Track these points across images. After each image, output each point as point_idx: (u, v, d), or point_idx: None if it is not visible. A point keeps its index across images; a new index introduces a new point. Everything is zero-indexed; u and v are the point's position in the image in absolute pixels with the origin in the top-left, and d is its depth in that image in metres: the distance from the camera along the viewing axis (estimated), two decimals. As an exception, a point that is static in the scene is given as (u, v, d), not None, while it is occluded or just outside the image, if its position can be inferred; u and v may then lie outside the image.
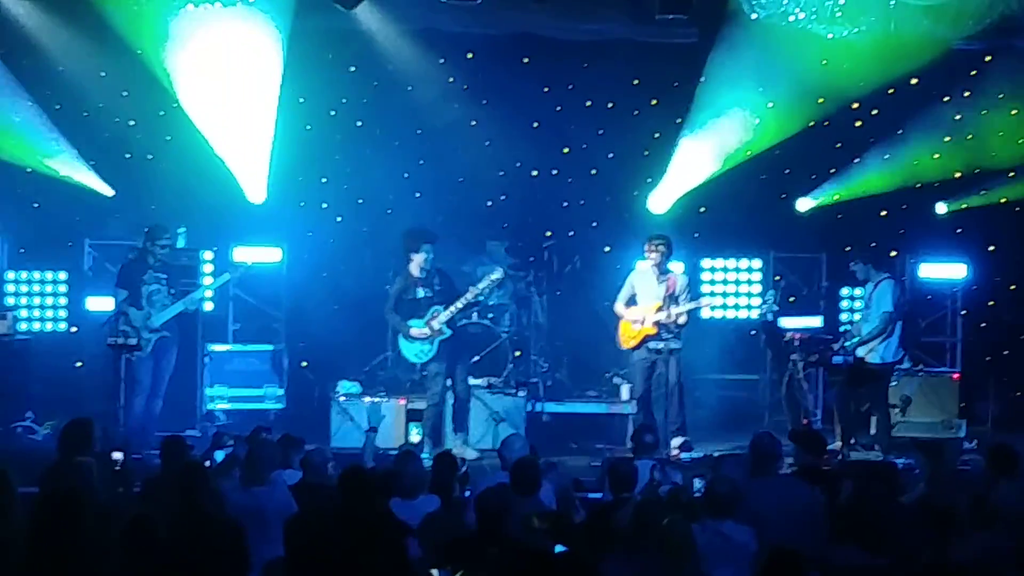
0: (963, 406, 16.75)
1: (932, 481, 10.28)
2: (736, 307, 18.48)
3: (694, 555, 8.27)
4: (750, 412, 17.60)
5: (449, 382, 15.34)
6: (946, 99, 17.84)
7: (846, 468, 11.07)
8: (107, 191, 17.42)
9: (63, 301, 17.66)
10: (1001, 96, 17.80)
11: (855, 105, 17.91)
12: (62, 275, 17.65)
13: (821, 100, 17.64)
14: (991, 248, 18.49)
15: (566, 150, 18.52)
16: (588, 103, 18.21)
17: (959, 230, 18.31)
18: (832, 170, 18.32)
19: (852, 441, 15.07)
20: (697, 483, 10.92)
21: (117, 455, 10.81)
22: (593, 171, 18.51)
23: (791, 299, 17.73)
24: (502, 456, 11.07)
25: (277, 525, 8.92)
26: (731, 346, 18.05)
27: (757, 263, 18.50)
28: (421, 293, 15.21)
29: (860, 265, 15.41)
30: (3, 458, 11.82)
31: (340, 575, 8.00)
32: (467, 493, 10.73)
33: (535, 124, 18.26)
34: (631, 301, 15.41)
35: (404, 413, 15.77)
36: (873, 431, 15.35)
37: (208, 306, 16.71)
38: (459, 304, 15.16)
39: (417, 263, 15.18)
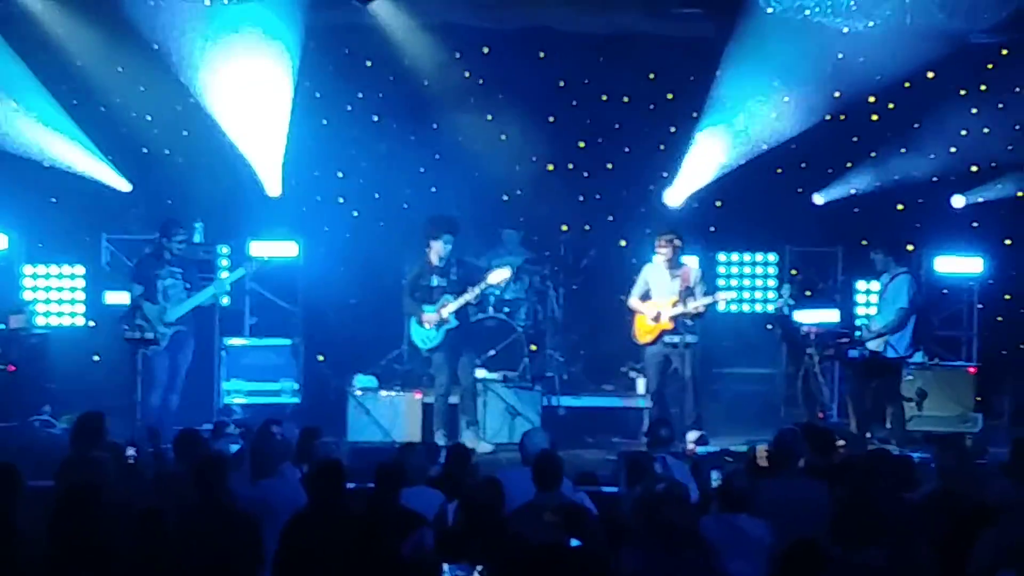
0: (979, 400, 16.71)
1: (946, 476, 10.23)
2: (752, 301, 18.46)
3: (702, 547, 8.29)
4: (766, 406, 17.56)
5: (454, 373, 15.41)
6: (963, 92, 17.82)
7: (854, 461, 11.01)
8: (124, 186, 17.48)
9: (80, 296, 17.71)
10: (1018, 89, 17.77)
11: (871, 99, 17.89)
12: (79, 269, 17.71)
13: (837, 94, 17.64)
14: (1008, 242, 18.45)
15: (582, 144, 18.54)
16: (604, 97, 18.28)
17: (975, 224, 18.26)
18: (848, 164, 18.31)
19: (868, 435, 15.09)
20: (714, 475, 10.90)
21: (130, 450, 10.83)
22: (609, 165, 18.55)
23: (807, 293, 17.72)
24: (523, 450, 11.06)
25: (285, 518, 8.99)
26: (747, 340, 18.04)
27: (773, 257, 18.47)
28: (435, 281, 15.28)
29: (880, 256, 15.42)
30: (20, 452, 11.93)
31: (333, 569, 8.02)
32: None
33: (551, 118, 18.28)
34: (645, 296, 15.43)
35: (420, 407, 15.82)
36: (888, 425, 15.36)
37: (225, 300, 16.72)
38: (467, 297, 15.22)
39: (435, 251, 15.25)
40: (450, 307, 15.18)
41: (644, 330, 15.42)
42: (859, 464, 10.36)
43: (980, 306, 18.17)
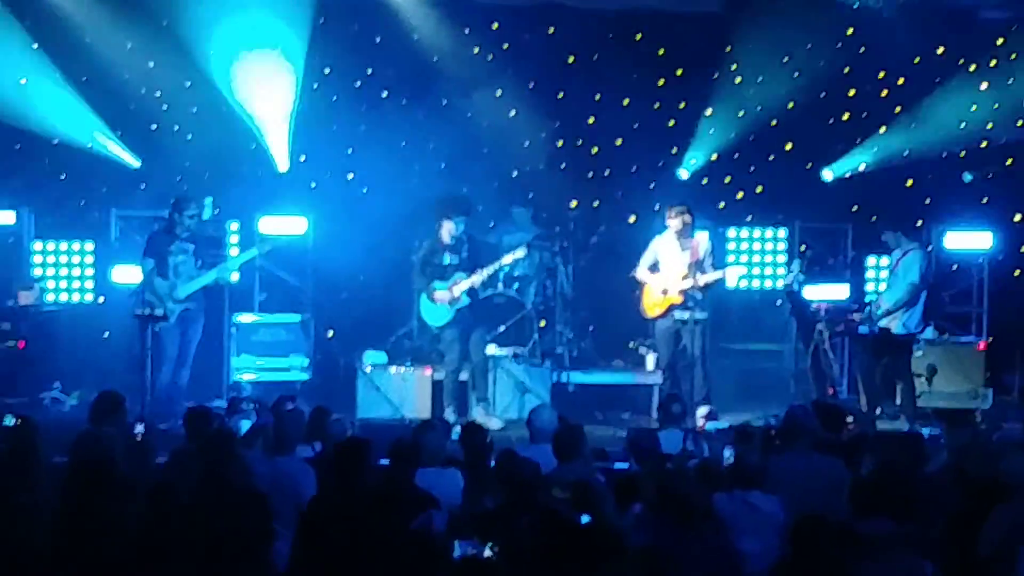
0: (989, 376, 16.69)
1: (958, 452, 10.23)
2: (761, 276, 18.40)
3: (717, 525, 8.29)
4: (775, 382, 17.50)
5: (465, 350, 15.41)
6: (972, 68, 17.77)
7: (869, 439, 11.01)
8: (133, 162, 17.48)
9: (90, 272, 17.67)
10: (1028, 65, 17.77)
11: (881, 74, 17.87)
12: (89, 246, 17.67)
13: (847, 70, 17.64)
14: (1017, 217, 18.42)
15: (591, 120, 18.49)
16: (613, 73, 18.21)
17: (985, 199, 18.21)
18: (858, 139, 18.27)
19: (878, 411, 15.08)
20: (727, 452, 10.90)
21: (139, 427, 10.84)
22: (618, 141, 18.48)
23: (817, 268, 17.66)
24: (531, 427, 11.06)
25: (295, 494, 9.03)
26: (756, 316, 18.02)
27: (782, 233, 18.38)
28: (447, 259, 15.27)
29: (891, 234, 15.37)
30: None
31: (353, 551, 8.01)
32: (491, 463, 10.73)
33: (560, 94, 18.27)
34: (654, 267, 15.41)
35: (430, 383, 15.83)
36: (898, 401, 15.35)
37: (234, 277, 16.69)
38: (480, 276, 15.22)
39: (447, 230, 15.24)
40: (462, 285, 15.17)
41: (653, 304, 15.40)
42: (884, 440, 10.35)
43: (990, 282, 18.14)
